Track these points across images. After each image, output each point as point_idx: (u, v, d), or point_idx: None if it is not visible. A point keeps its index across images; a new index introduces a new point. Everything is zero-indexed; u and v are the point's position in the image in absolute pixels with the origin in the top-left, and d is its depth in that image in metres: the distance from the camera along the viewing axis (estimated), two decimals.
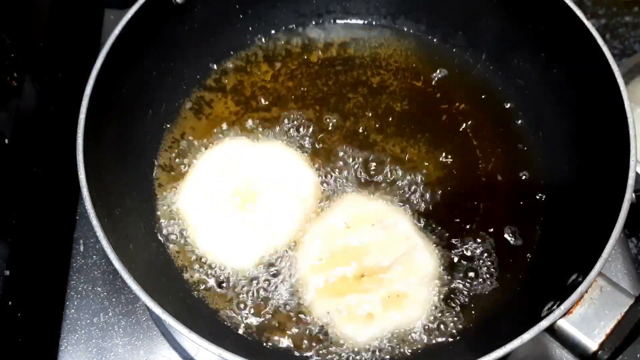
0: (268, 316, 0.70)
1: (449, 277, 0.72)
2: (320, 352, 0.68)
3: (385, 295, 0.69)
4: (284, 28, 0.90)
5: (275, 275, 0.72)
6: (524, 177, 0.78)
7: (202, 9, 0.79)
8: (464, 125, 0.82)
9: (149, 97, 0.79)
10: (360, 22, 0.93)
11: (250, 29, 0.88)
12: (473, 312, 0.70)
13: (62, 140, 0.74)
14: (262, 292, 0.71)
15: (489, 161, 0.80)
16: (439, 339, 0.69)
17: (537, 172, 0.78)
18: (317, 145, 0.81)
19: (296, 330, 0.69)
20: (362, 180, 0.78)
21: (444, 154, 0.80)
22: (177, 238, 0.75)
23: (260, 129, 0.82)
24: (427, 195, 0.77)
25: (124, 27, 0.68)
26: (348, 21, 0.93)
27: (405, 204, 0.76)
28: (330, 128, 0.82)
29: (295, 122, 0.82)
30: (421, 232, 0.74)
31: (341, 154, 0.80)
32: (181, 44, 0.81)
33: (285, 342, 0.69)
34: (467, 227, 0.75)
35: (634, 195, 0.59)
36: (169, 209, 0.76)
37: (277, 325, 0.70)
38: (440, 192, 0.77)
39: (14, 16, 0.79)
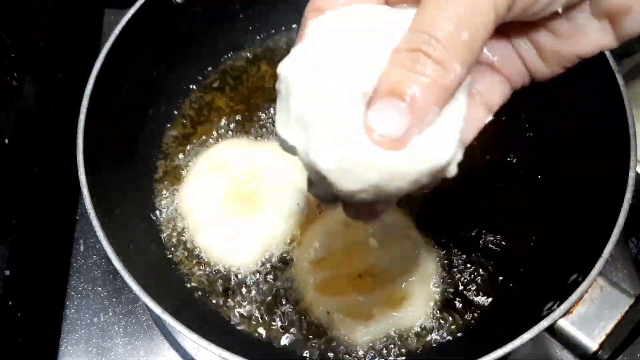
0: (268, 316, 0.70)
1: (449, 277, 0.72)
2: (320, 351, 0.68)
3: (385, 295, 0.69)
4: (284, 28, 0.90)
5: (275, 275, 0.72)
6: (523, 177, 0.78)
7: (202, 8, 0.79)
8: None
9: (149, 97, 0.79)
10: None
11: (250, 28, 0.88)
12: (473, 312, 0.70)
13: (62, 140, 0.74)
14: (262, 292, 0.71)
15: (488, 160, 0.80)
16: (439, 339, 0.69)
17: (537, 172, 0.78)
18: None
19: (296, 330, 0.69)
20: None
21: None
22: (177, 238, 0.75)
23: (261, 129, 0.82)
24: (427, 195, 0.77)
25: (124, 27, 0.68)
26: None
27: (405, 204, 0.76)
28: None
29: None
30: (421, 232, 0.74)
31: None
32: (181, 44, 0.80)
33: (285, 342, 0.69)
34: (467, 226, 0.75)
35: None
36: (169, 209, 0.76)
37: (277, 324, 0.70)
38: (440, 192, 0.77)
39: (14, 16, 0.79)
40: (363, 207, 0.39)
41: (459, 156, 0.37)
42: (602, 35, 0.38)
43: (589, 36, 0.38)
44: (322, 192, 0.38)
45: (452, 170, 0.37)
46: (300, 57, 0.36)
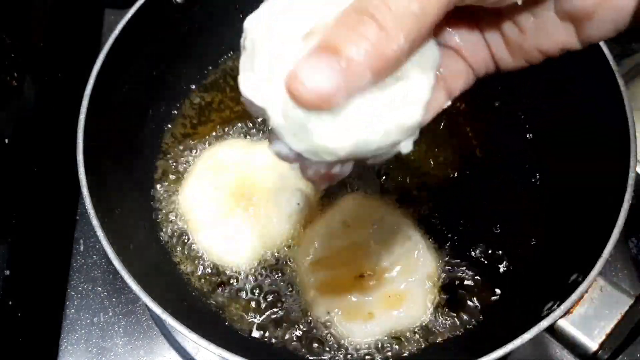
0: (268, 316, 0.70)
1: (449, 277, 0.72)
2: (320, 351, 0.68)
3: (385, 295, 0.69)
4: None
5: (275, 275, 0.72)
6: (523, 177, 0.78)
7: (202, 9, 0.79)
8: (464, 125, 0.82)
9: (149, 97, 0.79)
10: None
11: None
12: (472, 312, 0.70)
13: (62, 140, 0.74)
14: (262, 292, 0.71)
15: (488, 161, 0.80)
16: (439, 339, 0.69)
17: (536, 172, 0.78)
18: None
19: (296, 329, 0.69)
20: (363, 180, 0.78)
21: (444, 154, 0.80)
22: (177, 238, 0.75)
23: (260, 129, 0.82)
24: (427, 195, 0.77)
25: (124, 27, 0.68)
26: None
27: (405, 204, 0.76)
28: None
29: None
30: (421, 231, 0.74)
31: None
32: (181, 44, 0.80)
33: (285, 342, 0.69)
34: (467, 226, 0.75)
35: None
36: (169, 208, 0.76)
37: (277, 324, 0.70)
38: (440, 192, 0.77)
39: (14, 16, 0.79)
40: (321, 170, 0.39)
41: (416, 134, 0.36)
42: (565, 36, 0.38)
43: (551, 35, 0.39)
44: (284, 150, 0.36)
45: (408, 146, 0.36)
46: (269, 10, 0.35)
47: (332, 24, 0.32)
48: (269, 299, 0.71)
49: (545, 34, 0.39)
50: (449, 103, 0.41)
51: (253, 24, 0.35)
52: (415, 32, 0.31)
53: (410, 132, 0.35)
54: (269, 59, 0.34)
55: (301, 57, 0.31)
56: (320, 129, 0.33)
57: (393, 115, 0.34)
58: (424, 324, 0.69)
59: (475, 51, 0.41)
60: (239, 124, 0.82)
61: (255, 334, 0.69)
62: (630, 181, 0.59)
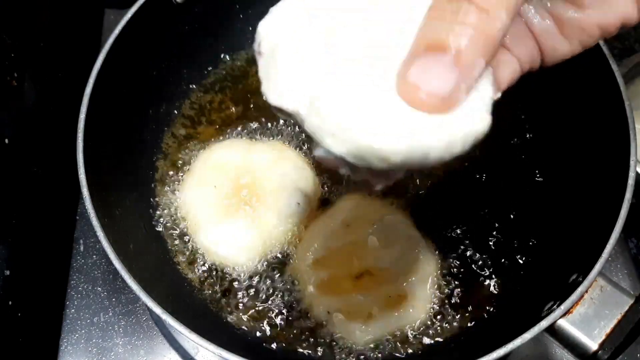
0: (268, 315, 0.70)
1: (449, 277, 0.72)
2: (320, 351, 0.68)
3: (385, 295, 0.69)
4: None
5: (275, 275, 0.72)
6: (523, 177, 0.78)
7: (202, 9, 0.79)
8: None
9: (149, 97, 0.79)
10: None
11: (250, 29, 0.88)
12: (473, 311, 0.70)
13: (62, 140, 0.74)
14: (262, 292, 0.71)
15: (488, 161, 0.80)
16: (439, 339, 0.69)
17: (537, 172, 0.78)
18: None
19: (296, 329, 0.69)
20: (363, 180, 0.78)
21: None
22: (177, 237, 0.75)
23: (260, 129, 0.82)
24: (428, 195, 0.77)
25: (124, 27, 0.68)
26: None
27: (405, 204, 0.76)
28: None
29: (295, 122, 0.82)
30: (421, 232, 0.74)
31: None
32: (181, 44, 0.80)
33: (285, 342, 0.69)
34: (467, 226, 0.75)
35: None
36: (169, 208, 0.76)
37: (277, 324, 0.70)
38: (440, 192, 0.77)
39: (14, 16, 0.79)
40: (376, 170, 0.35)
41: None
42: (626, 4, 0.36)
43: (613, 5, 0.36)
44: (326, 154, 0.34)
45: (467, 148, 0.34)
46: (284, 14, 0.33)
47: (423, 20, 0.30)
48: (269, 299, 0.71)
49: (606, 4, 0.36)
50: (499, 95, 0.37)
51: (269, 29, 0.34)
52: (513, 5, 0.29)
53: (477, 138, 0.32)
54: (294, 62, 0.32)
55: (404, 61, 0.29)
56: (366, 126, 0.30)
57: (460, 120, 0.30)
58: (423, 324, 0.69)
59: (520, 42, 0.38)
60: (239, 124, 0.82)
61: (255, 333, 0.69)
62: (630, 181, 0.59)
